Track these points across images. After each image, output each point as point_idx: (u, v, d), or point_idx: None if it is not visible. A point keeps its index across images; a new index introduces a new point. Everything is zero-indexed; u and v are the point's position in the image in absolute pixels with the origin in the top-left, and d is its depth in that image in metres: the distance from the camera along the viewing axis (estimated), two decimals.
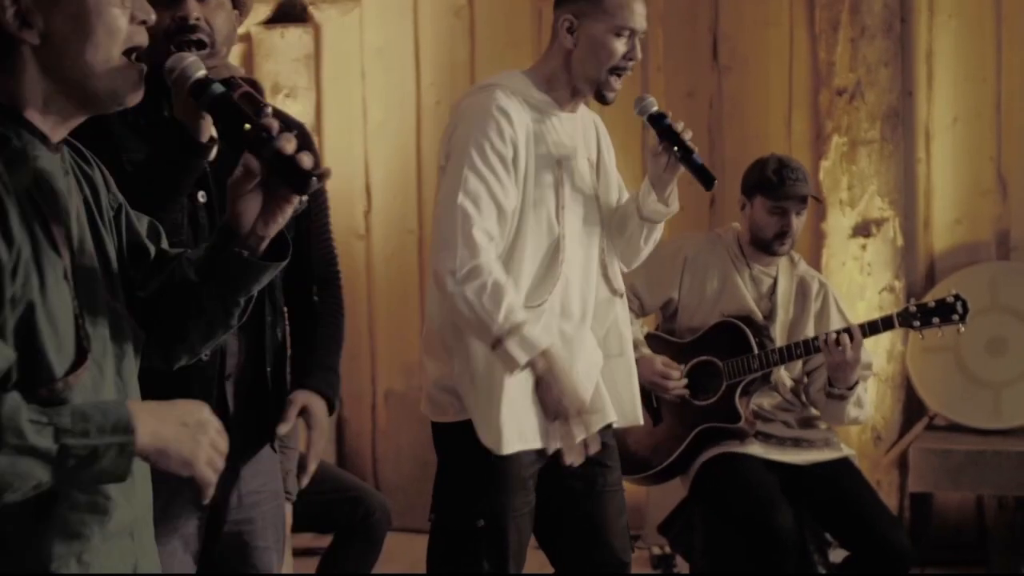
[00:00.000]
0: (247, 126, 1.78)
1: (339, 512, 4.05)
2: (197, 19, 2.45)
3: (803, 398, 4.05)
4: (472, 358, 2.98)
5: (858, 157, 5.12)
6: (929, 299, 3.93)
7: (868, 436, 5.13)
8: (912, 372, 5.12)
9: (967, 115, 5.19)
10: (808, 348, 3.89)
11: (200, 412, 1.76)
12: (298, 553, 4.54)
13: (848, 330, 3.81)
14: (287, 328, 2.81)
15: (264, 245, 1.86)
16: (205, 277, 1.87)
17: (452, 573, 3.10)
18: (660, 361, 3.92)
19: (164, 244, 1.99)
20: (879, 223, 5.11)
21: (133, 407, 1.68)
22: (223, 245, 1.85)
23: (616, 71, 3.04)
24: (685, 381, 3.93)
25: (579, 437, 2.95)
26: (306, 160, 1.76)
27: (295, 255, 1.97)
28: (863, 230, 5.12)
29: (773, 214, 3.96)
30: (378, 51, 5.89)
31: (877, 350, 4.90)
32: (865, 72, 5.10)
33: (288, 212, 1.84)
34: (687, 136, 3.09)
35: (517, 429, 2.96)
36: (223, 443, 1.79)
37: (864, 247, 5.12)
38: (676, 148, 3.08)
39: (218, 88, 1.85)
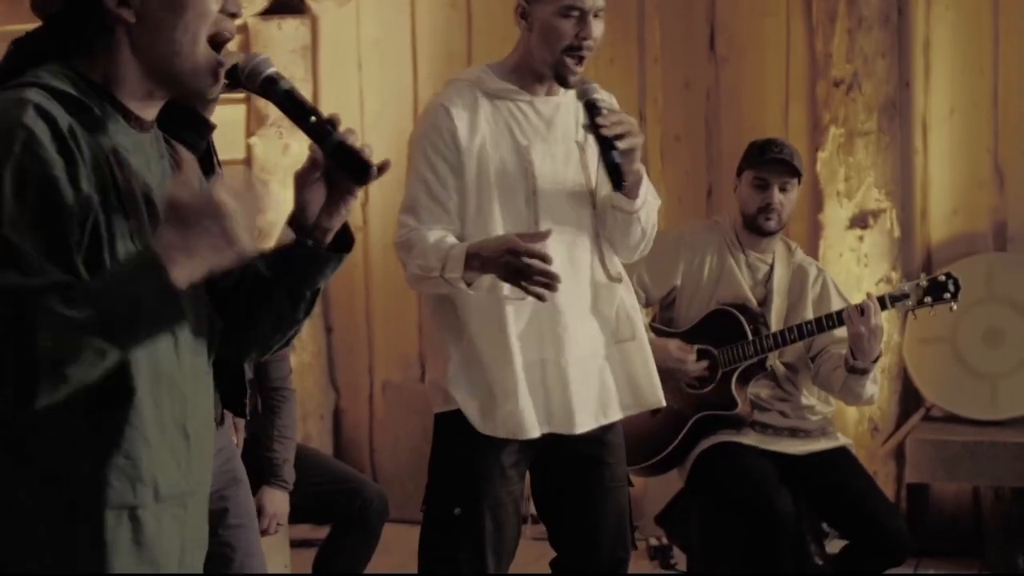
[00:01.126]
0: (313, 118, 1.90)
1: (336, 503, 4.06)
2: None
3: (799, 387, 4.05)
4: (459, 351, 3.05)
5: (855, 148, 5.12)
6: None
7: (865, 427, 5.14)
8: (909, 363, 5.12)
9: (964, 106, 5.19)
10: (802, 332, 3.88)
11: (211, 205, 1.67)
12: (295, 544, 4.54)
13: (867, 300, 3.78)
14: None
15: (329, 237, 1.94)
16: (274, 270, 1.94)
17: (432, 563, 3.14)
18: (674, 345, 3.92)
19: None
20: (876, 214, 5.11)
21: (158, 243, 1.67)
22: (292, 237, 1.93)
23: (570, 51, 3.00)
24: (705, 363, 3.93)
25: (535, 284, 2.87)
26: (366, 151, 1.87)
27: None
28: (860, 221, 5.12)
29: (756, 187, 3.95)
30: (375, 43, 5.88)
31: None
32: (862, 63, 5.10)
33: (351, 204, 1.93)
34: (612, 132, 2.92)
35: (516, 417, 3.00)
36: (242, 201, 1.71)
37: (861, 238, 5.12)
38: (596, 141, 2.97)
39: (286, 84, 1.95)
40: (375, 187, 5.93)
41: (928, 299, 3.85)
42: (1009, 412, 4.96)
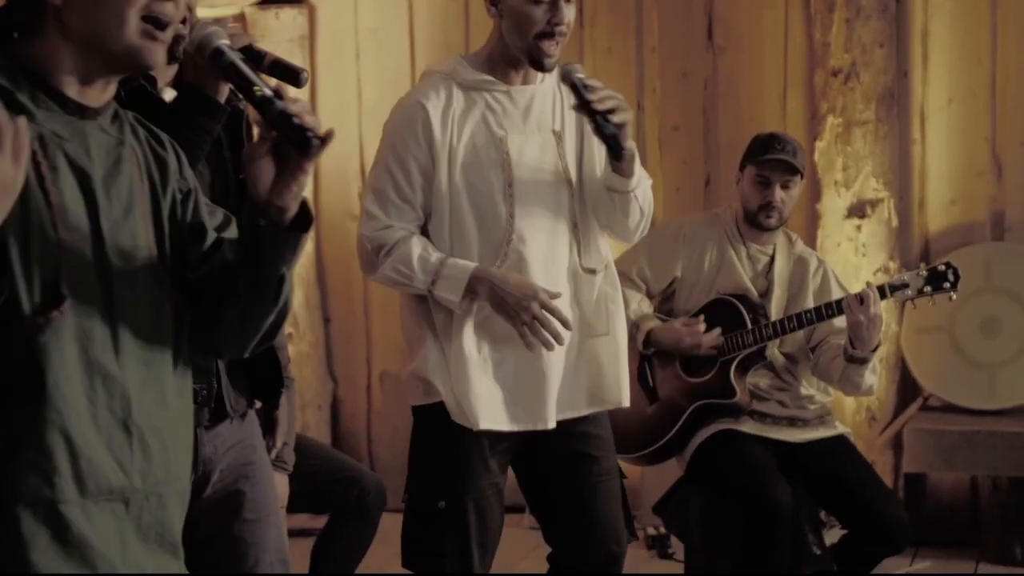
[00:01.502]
0: (256, 88, 1.87)
1: (334, 492, 4.05)
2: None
3: (798, 377, 4.05)
4: (437, 343, 3.04)
5: (853, 138, 5.12)
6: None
7: (863, 416, 5.14)
8: (906, 353, 5.12)
9: (962, 96, 5.19)
10: (802, 320, 3.88)
11: None
12: (293, 533, 4.53)
13: (867, 289, 3.78)
14: None
15: (286, 217, 1.87)
16: (237, 254, 1.90)
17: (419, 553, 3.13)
18: (679, 322, 3.92)
19: (230, 234, 2.00)
20: (874, 204, 5.11)
21: None
22: (247, 217, 1.87)
23: (543, 37, 2.97)
24: (717, 331, 3.92)
25: (548, 326, 2.94)
26: (309, 120, 1.80)
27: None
28: (858, 211, 5.12)
29: (758, 183, 3.95)
30: (373, 32, 5.87)
31: None
32: (860, 53, 5.10)
33: (302, 181, 1.85)
34: (604, 106, 2.89)
35: (486, 409, 3.00)
36: None
37: (859, 228, 5.12)
38: (588, 118, 2.93)
39: (232, 55, 1.94)
40: None
41: (928, 288, 3.85)
42: (1007, 402, 4.97)
